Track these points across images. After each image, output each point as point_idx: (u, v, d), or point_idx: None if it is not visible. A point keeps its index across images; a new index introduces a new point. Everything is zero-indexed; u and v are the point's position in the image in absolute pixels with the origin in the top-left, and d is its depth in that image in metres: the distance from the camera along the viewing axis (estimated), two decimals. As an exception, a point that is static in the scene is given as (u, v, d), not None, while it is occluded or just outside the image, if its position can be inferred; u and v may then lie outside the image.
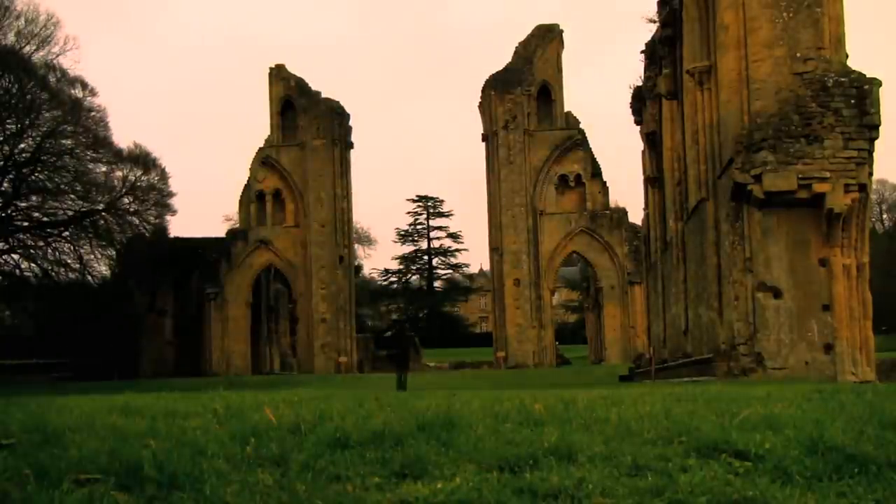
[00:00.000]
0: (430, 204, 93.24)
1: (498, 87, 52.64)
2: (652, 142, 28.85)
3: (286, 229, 53.86)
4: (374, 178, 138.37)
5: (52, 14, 44.23)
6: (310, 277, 52.80)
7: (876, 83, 17.01)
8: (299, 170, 53.54)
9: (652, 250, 30.00)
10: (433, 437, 4.33)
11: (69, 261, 43.97)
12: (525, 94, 52.40)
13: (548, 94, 53.32)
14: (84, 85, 43.48)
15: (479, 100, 54.47)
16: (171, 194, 49.35)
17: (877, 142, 17.07)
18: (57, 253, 43.76)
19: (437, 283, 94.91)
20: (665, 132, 26.58)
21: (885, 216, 77.76)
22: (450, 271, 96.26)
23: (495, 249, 52.92)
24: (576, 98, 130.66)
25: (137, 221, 47.09)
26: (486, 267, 68.15)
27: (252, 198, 53.98)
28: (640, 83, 30.98)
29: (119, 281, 49.21)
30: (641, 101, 29.78)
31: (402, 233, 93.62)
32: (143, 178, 46.84)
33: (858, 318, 17.57)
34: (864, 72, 17.22)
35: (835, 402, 6.40)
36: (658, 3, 26.52)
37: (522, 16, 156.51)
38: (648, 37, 29.05)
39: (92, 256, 45.69)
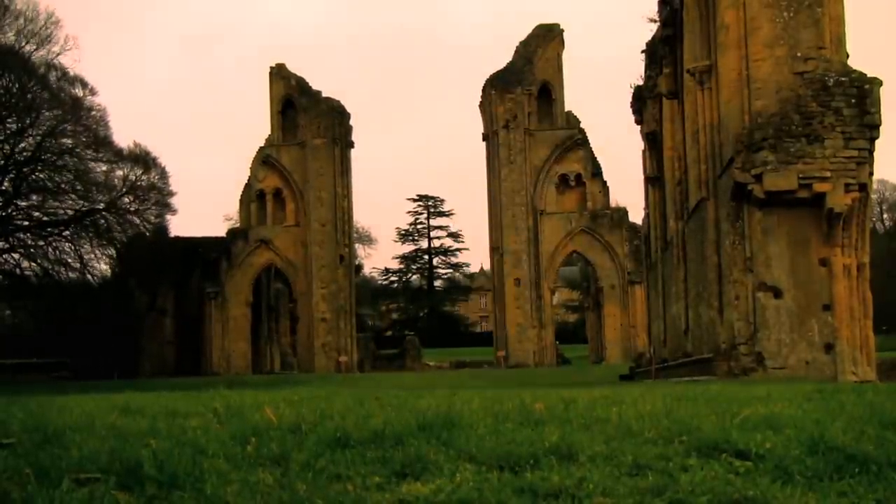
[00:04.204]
0: (430, 203, 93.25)
1: (498, 87, 52.65)
2: (652, 141, 28.85)
3: (286, 229, 53.88)
4: (374, 177, 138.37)
5: (52, 13, 44.07)
6: (310, 277, 52.82)
7: (876, 83, 17.00)
8: (300, 169, 53.55)
9: (652, 250, 29.99)
10: (433, 436, 4.33)
11: (69, 260, 43.96)
12: (525, 94, 52.41)
13: (548, 94, 53.32)
14: (84, 84, 43.48)
15: (480, 99, 54.49)
16: (171, 194, 49.34)
17: (877, 142, 17.07)
18: (57, 252, 43.74)
19: (437, 283, 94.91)
20: (665, 132, 26.57)
21: (885, 216, 77.76)
22: (450, 271, 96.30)
23: (495, 249, 52.94)
24: (576, 98, 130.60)
25: (138, 221, 47.06)
26: (487, 267, 68.21)
27: (252, 197, 54.01)
28: (640, 83, 30.97)
29: (119, 280, 49.21)
30: (641, 101, 29.77)
31: (403, 232, 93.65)
32: (143, 177, 46.83)
33: (859, 318, 17.57)
34: (864, 72, 17.21)
35: (835, 401, 6.40)
36: (658, 2, 26.52)
37: (523, 16, 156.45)
38: (648, 37, 29.05)
39: (92, 256, 45.68)
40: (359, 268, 71.25)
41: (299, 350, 56.06)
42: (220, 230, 64.03)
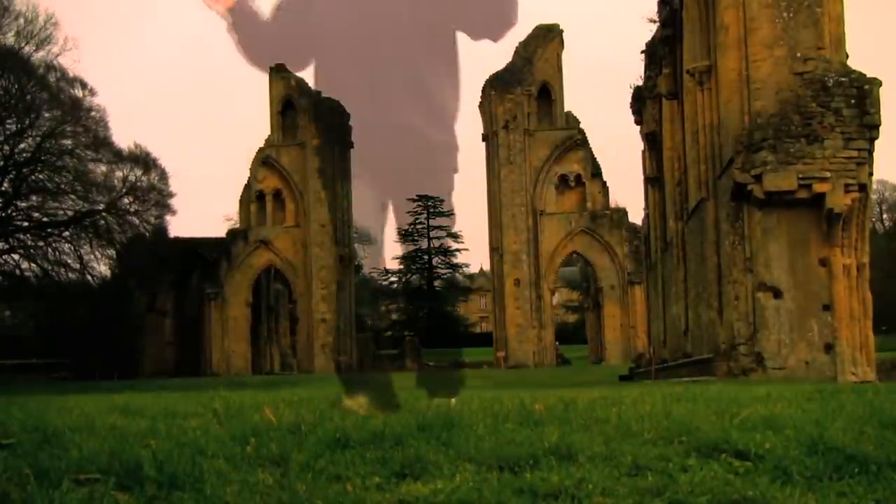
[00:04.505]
0: (430, 204, 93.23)
1: (498, 87, 52.66)
2: (652, 142, 28.85)
3: (286, 229, 53.89)
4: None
5: (52, 14, 44.22)
6: (310, 277, 52.83)
7: (876, 83, 17.01)
8: (299, 169, 53.55)
9: (652, 250, 30.00)
10: (433, 436, 4.33)
11: (69, 261, 44.01)
12: (525, 94, 52.43)
13: (548, 94, 53.34)
14: (84, 85, 43.56)
15: (479, 100, 54.50)
16: (171, 194, 49.43)
17: (877, 142, 17.08)
18: (57, 253, 43.78)
19: (437, 283, 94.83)
20: (665, 132, 26.58)
21: (885, 216, 77.77)
22: (450, 271, 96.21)
23: (495, 249, 52.95)
24: (576, 98, 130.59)
25: (137, 221, 47.12)
26: (486, 267, 68.16)
27: (252, 198, 54.01)
28: (640, 83, 30.97)
29: (119, 281, 49.22)
30: (641, 101, 29.78)
31: (403, 233, 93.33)
32: (143, 178, 46.91)
33: (858, 318, 17.56)
34: (864, 72, 17.22)
35: (835, 402, 6.40)
36: (658, 3, 26.53)
37: (522, 16, 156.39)
38: (648, 37, 29.07)
39: (92, 256, 45.73)
40: (358, 268, 71.23)
41: (299, 351, 56.08)
42: (219, 231, 64.06)
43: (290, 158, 54.00)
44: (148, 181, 47.17)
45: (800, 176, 16.91)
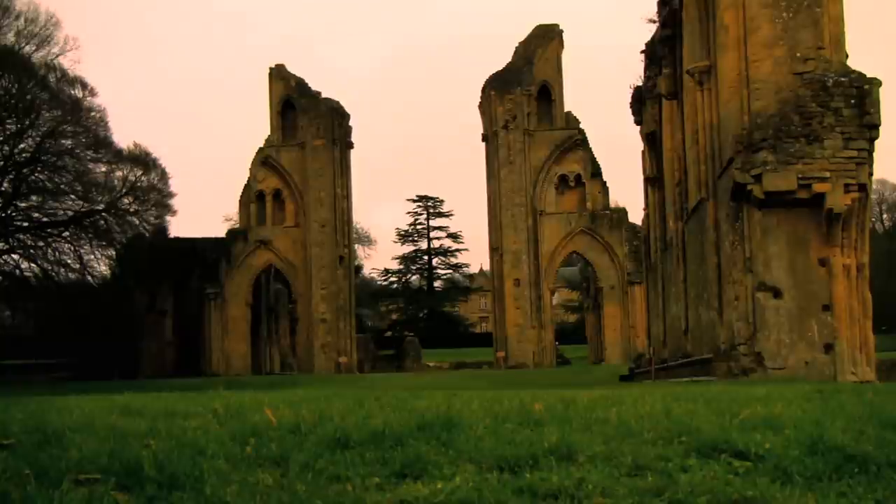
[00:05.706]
0: (430, 204, 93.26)
1: (498, 87, 52.66)
2: (652, 142, 28.84)
3: (286, 229, 53.88)
4: (374, 178, 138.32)
5: (52, 14, 44.24)
6: (310, 277, 52.82)
7: (876, 83, 17.00)
8: (299, 170, 53.55)
9: (652, 250, 29.99)
10: (433, 437, 4.34)
11: (69, 261, 44.03)
12: (525, 94, 52.42)
13: (548, 94, 53.34)
14: (84, 85, 43.57)
15: (479, 100, 54.49)
16: (171, 194, 49.49)
17: (877, 142, 17.07)
18: (57, 253, 43.80)
19: (437, 283, 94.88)
20: (665, 132, 26.57)
21: (885, 216, 77.83)
22: (450, 271, 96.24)
23: (495, 249, 52.94)
24: (576, 98, 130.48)
25: (137, 221, 47.15)
26: (486, 267, 68.17)
27: (252, 198, 54.01)
28: (640, 83, 30.96)
29: (119, 281, 49.23)
30: (641, 102, 29.76)
31: (402, 233, 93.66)
32: (143, 178, 46.93)
33: (858, 318, 17.56)
34: (864, 72, 17.21)
35: (835, 402, 6.40)
36: (658, 3, 26.51)
37: (522, 15, 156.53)
38: (648, 37, 29.05)
39: (92, 256, 45.77)
40: (358, 268, 71.21)
41: (299, 351, 56.06)
42: (219, 231, 64.11)
43: (290, 158, 53.99)
44: (148, 181, 47.22)
45: (800, 176, 16.90)
